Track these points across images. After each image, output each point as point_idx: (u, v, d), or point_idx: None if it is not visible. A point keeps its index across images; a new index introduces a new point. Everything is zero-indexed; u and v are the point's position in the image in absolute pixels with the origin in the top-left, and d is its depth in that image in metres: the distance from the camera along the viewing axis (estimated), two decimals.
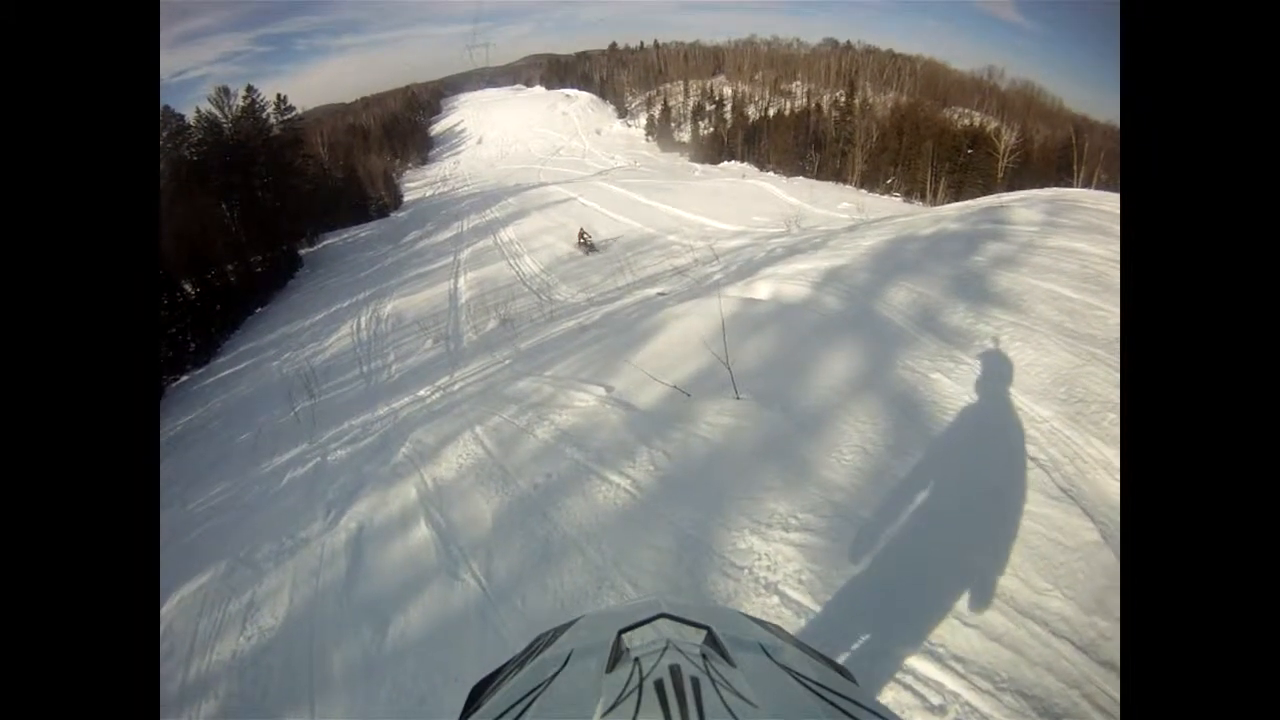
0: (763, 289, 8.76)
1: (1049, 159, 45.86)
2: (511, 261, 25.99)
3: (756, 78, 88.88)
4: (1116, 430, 4.45)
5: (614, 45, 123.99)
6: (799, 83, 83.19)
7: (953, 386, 5.24)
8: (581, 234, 25.66)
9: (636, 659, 0.80)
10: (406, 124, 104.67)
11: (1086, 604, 3.25)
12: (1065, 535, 3.63)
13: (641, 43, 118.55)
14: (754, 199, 35.08)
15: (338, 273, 33.26)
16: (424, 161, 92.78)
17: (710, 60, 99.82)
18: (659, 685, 0.70)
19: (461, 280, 24.51)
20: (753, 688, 0.72)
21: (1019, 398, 4.98)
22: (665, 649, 0.84)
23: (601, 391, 6.88)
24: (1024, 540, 3.63)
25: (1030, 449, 4.35)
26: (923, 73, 77.01)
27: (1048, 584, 3.35)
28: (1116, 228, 10.30)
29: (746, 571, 3.86)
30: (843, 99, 60.53)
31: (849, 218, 26.71)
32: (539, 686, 0.81)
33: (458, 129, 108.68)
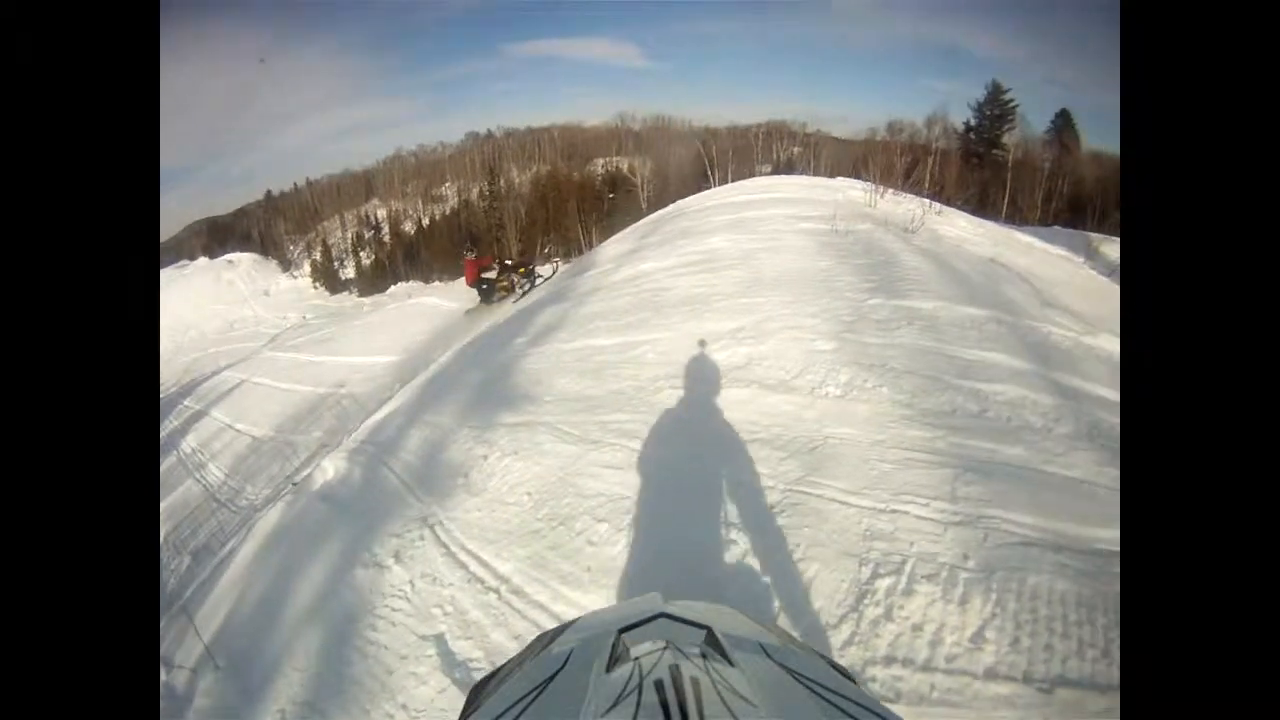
0: (329, 468, 7.38)
1: (683, 175, 49.35)
2: (198, 476, 23.58)
3: (408, 191, 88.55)
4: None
5: (269, 193, 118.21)
6: (449, 184, 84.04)
7: (401, 575, 4.28)
8: (482, 276, 17.42)
9: (636, 659, 0.80)
10: None
11: None
12: None
13: (295, 184, 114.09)
14: (418, 318, 33.90)
15: None
16: None
17: (362, 186, 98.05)
18: (659, 685, 0.69)
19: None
20: (753, 688, 0.70)
21: (443, 561, 4.21)
22: (665, 649, 0.83)
23: None
24: None
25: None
26: (560, 138, 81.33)
27: None
28: (711, 220, 10.43)
29: None
30: (487, 188, 61.67)
31: (513, 306, 26.79)
32: (539, 686, 0.78)
33: None
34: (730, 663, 0.78)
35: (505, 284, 16.95)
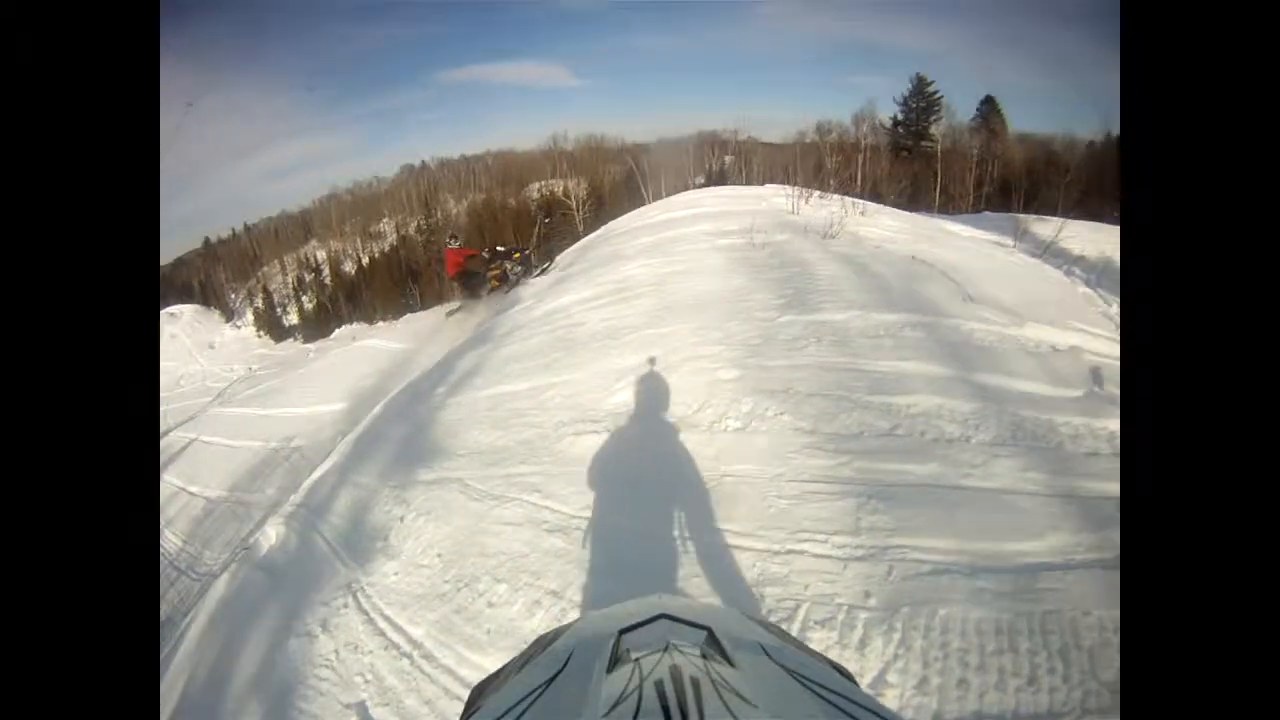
0: (271, 533, 7.01)
1: (618, 194, 49.06)
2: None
3: (346, 230, 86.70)
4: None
5: (208, 240, 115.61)
6: (386, 219, 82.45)
7: (327, 644, 4.18)
8: (465, 267, 14.25)
9: (637, 659, 0.81)
10: None
11: None
12: None
13: (233, 229, 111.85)
14: (363, 361, 33.46)
15: None
16: None
17: (300, 227, 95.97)
18: (659, 686, 0.70)
19: None
20: (753, 688, 0.71)
21: (364, 628, 4.10)
22: (665, 650, 0.84)
23: None
24: None
25: None
26: (495, 165, 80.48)
27: None
28: (632, 244, 10.25)
29: None
30: (424, 221, 60.98)
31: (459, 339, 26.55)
32: (539, 687, 0.79)
33: None
34: (731, 663, 0.79)
35: (497, 272, 13.96)
